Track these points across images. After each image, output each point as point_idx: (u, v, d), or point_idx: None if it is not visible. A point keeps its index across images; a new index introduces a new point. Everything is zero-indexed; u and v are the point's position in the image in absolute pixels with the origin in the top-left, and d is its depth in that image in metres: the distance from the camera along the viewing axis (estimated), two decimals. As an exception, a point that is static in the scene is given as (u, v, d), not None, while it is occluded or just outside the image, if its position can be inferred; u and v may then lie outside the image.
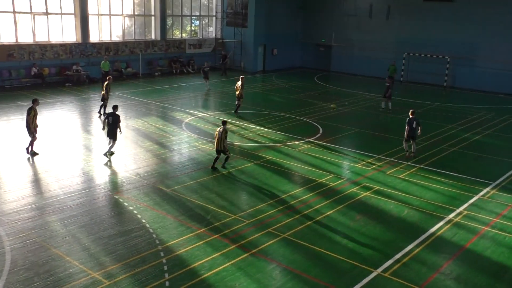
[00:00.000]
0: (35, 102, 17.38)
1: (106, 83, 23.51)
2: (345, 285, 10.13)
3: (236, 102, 24.87)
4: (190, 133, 21.21)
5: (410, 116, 18.67)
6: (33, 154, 17.23)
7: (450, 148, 20.48)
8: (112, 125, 16.93)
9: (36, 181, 15.08)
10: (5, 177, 15.35)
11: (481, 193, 15.47)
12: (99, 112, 23.61)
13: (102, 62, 30.46)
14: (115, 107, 17.45)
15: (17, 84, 29.95)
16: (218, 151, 16.61)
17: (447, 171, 17.21)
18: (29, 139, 17.20)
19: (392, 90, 26.66)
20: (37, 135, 17.29)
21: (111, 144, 17.20)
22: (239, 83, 24.45)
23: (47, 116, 23.23)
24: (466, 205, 14.52)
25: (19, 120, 22.43)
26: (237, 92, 24.47)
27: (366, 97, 31.72)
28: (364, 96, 32.02)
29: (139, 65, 36.28)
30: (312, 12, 43.25)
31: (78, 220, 12.53)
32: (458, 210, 14.09)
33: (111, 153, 17.36)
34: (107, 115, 17.35)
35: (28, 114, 16.90)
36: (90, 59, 33.14)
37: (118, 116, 17.17)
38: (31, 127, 16.95)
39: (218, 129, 16.61)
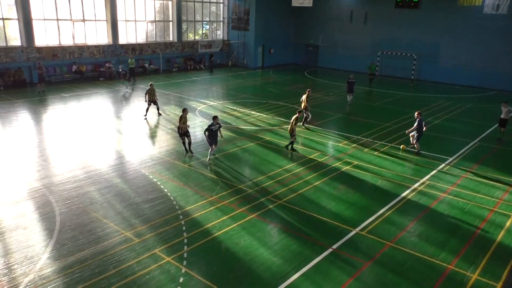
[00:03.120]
0: (184, 111, 15.84)
1: (148, 89, 21.04)
2: (331, 241, 10.24)
3: (304, 115, 20.15)
4: (203, 118, 21.15)
5: (420, 117, 16.46)
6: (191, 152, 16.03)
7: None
8: (214, 133, 14.89)
9: (78, 158, 15.09)
10: (53, 155, 15.39)
11: (440, 167, 15.51)
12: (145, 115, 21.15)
13: (129, 60, 30.24)
14: (215, 118, 15.09)
15: (60, 79, 29.77)
16: (292, 135, 16.49)
17: (414, 149, 17.20)
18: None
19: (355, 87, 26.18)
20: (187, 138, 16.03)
21: (213, 149, 15.19)
22: (304, 96, 20.27)
23: (85, 105, 23.15)
24: (428, 176, 14.57)
25: (62, 108, 22.38)
26: (303, 105, 20.16)
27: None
28: (344, 87, 31.75)
29: (160, 62, 35.99)
30: (302, 17, 42.74)
31: (112, 190, 12.60)
32: (421, 181, 14.15)
33: (212, 156, 15.32)
34: (209, 126, 14.84)
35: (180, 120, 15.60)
36: (119, 57, 32.85)
37: (219, 126, 15.09)
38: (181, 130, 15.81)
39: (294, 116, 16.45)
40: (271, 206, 11.90)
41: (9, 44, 27.67)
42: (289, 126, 16.68)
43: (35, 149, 15.95)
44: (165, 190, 12.64)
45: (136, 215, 11.07)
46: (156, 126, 19.66)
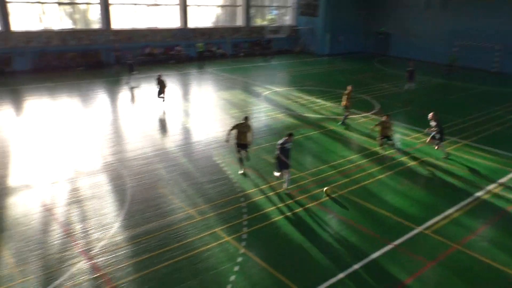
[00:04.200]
0: (246, 119, 12.77)
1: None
2: (391, 237, 10.00)
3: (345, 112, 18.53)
4: (267, 104, 21.34)
5: (435, 118, 15.02)
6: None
7: (494, 127, 19.07)
8: (287, 152, 11.56)
9: (149, 137, 15.94)
10: (126, 132, 16.42)
11: (520, 169, 14.39)
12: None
13: (198, 44, 31.11)
14: (290, 135, 11.78)
15: (135, 61, 31.39)
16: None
17: (490, 148, 16.11)
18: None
19: (415, 75, 24.66)
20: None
21: (285, 175, 11.87)
22: (346, 92, 18.21)
23: (156, 88, 24.30)
24: (505, 178, 13.60)
25: (135, 89, 23.68)
26: (343, 102, 18.28)
27: (419, 79, 30.03)
28: (418, 78, 30.30)
29: (227, 47, 36.65)
30: (374, 3, 41.13)
31: (178, 168, 13.23)
32: (498, 182, 13.25)
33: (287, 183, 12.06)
34: (282, 144, 11.55)
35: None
36: (189, 41, 33.90)
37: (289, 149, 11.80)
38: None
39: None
40: (332, 196, 11.83)
41: (89, 27, 29.67)
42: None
43: (111, 126, 17.12)
44: (228, 172, 13.02)
45: (199, 194, 11.55)
46: (222, 110, 20.17)
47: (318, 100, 22.65)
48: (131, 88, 23.42)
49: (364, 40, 42.88)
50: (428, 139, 15.67)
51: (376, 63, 36.74)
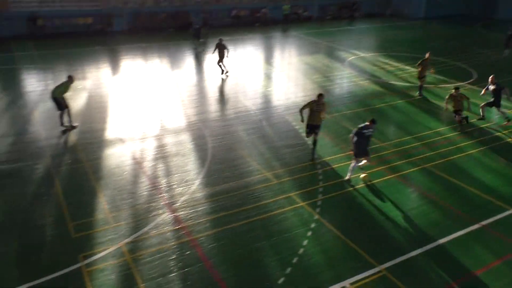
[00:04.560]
0: (320, 96, 11.30)
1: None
2: (479, 216, 9.27)
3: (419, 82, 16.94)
4: (351, 70, 20.51)
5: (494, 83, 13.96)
6: None
7: None
8: (365, 139, 10.31)
9: (230, 99, 16.30)
10: (210, 93, 16.96)
11: None
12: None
13: (284, 6, 30.49)
14: (373, 121, 10.30)
15: (221, 23, 31.81)
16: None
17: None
18: None
19: None
20: None
21: (358, 162, 10.58)
22: (424, 61, 16.47)
23: (240, 49, 24.51)
24: None
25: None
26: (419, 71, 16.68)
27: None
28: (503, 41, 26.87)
29: (314, 9, 35.46)
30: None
31: (257, 131, 13.41)
32: None
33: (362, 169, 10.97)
34: (360, 129, 10.23)
35: None
36: (276, 4, 33.35)
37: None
38: None
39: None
40: (414, 169, 11.21)
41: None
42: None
43: (195, 86, 17.78)
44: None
45: (276, 158, 11.66)
46: (304, 75, 19.82)
47: (407, 67, 21.21)
48: (197, 53, 23.42)
49: (466, 1, 38.63)
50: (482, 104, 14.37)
51: (480, 27, 33.11)
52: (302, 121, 11.55)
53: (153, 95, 16.47)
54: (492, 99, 14.15)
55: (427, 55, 16.47)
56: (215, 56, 18.95)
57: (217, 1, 31.39)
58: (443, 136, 13.23)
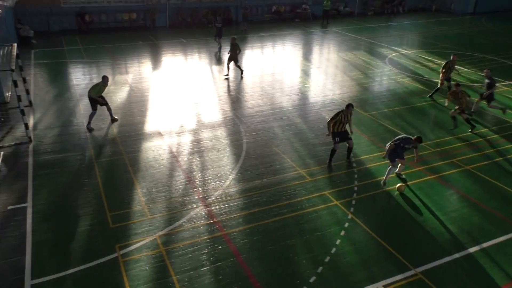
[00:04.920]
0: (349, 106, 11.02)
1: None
2: (523, 223, 8.79)
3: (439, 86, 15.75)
4: (392, 67, 19.90)
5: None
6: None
7: None
8: (402, 150, 9.93)
9: (267, 95, 16.23)
10: (247, 89, 16.98)
11: None
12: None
13: (324, 2, 29.98)
14: (419, 139, 9.91)
15: (261, 19, 31.75)
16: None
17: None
18: None
19: None
20: None
21: (395, 167, 10.21)
22: (447, 65, 15.51)
23: (280, 45, 24.37)
24: None
25: (258, 48, 24.10)
26: (441, 76, 15.68)
27: None
28: None
29: (355, 5, 34.65)
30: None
31: (293, 128, 13.30)
32: None
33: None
34: (397, 141, 9.87)
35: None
36: (316, -1, 32.89)
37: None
38: None
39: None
40: (454, 170, 10.75)
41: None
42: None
43: (232, 82, 17.84)
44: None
45: (311, 156, 11.51)
46: (343, 71, 19.44)
47: (451, 64, 20.28)
48: (215, 54, 22.29)
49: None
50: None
51: (532, 22, 31.24)
52: (329, 135, 10.86)
53: (191, 90, 16.69)
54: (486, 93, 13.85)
55: (452, 57, 15.54)
56: (230, 55, 18.08)
57: (257, -4, 31.37)
58: (486, 137, 12.58)
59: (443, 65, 15.73)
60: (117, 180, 10.22)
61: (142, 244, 8.03)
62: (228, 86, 17.25)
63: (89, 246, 8.00)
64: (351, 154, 11.22)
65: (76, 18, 26.66)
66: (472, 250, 7.99)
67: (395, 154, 9.89)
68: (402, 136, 10.04)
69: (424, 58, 21.62)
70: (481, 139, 12.52)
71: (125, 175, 10.45)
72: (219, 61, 21.07)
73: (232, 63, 18.33)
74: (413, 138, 9.84)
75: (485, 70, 14.22)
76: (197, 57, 22.07)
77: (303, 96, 16.31)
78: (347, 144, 10.97)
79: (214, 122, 13.70)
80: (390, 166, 10.01)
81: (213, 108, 14.89)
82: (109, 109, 13.40)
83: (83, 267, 7.44)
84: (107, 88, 13.38)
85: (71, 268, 7.40)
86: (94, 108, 12.94)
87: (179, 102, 15.44)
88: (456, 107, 13.04)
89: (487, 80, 13.91)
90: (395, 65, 20.27)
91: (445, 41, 25.34)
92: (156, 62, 20.88)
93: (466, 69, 19.51)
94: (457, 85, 13.12)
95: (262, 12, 31.91)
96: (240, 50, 18.16)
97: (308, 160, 11.27)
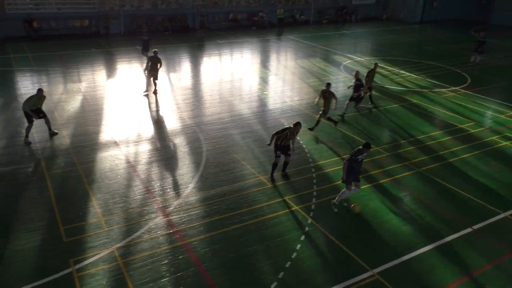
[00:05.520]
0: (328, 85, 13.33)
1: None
2: (472, 220, 9.30)
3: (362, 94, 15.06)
4: (347, 74, 20.54)
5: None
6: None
7: None
8: (358, 165, 9.41)
9: (226, 102, 16.25)
10: (205, 97, 16.93)
11: None
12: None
13: (278, 10, 30.49)
14: (367, 146, 9.27)
15: (218, 26, 31.80)
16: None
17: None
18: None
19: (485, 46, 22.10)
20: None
21: (350, 190, 9.55)
22: (368, 72, 15.76)
23: (237, 53, 24.52)
24: None
25: (216, 55, 24.14)
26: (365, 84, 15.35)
27: (523, 51, 26.77)
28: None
29: (311, 13, 35.54)
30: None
31: (252, 135, 13.40)
32: None
33: None
34: (354, 155, 9.33)
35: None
36: (273, 7, 33.39)
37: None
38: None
39: None
40: (407, 173, 11.24)
41: (178, -8, 30.47)
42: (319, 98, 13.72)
43: (191, 90, 17.73)
44: (301, 142, 12.90)
45: (271, 162, 11.51)
46: (300, 78, 19.84)
47: (402, 72, 21.28)
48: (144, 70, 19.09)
49: (462, 5, 38.84)
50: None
51: (474, 32, 33.30)
52: (269, 145, 10.56)
53: (148, 98, 16.42)
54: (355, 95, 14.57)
55: (373, 66, 15.88)
56: (150, 70, 16.45)
57: (214, 4, 31.41)
58: (436, 141, 13.26)
59: (366, 73, 15.85)
60: (71, 192, 9.85)
61: (98, 258, 7.77)
62: (186, 94, 17.11)
63: (41, 262, 7.64)
64: (286, 168, 10.95)
65: (24, 25, 25.52)
66: (425, 249, 8.36)
67: (352, 172, 9.26)
68: (351, 152, 9.46)
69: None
70: (432, 142, 13.17)
71: (80, 186, 10.09)
72: (194, 67, 20.90)
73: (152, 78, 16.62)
74: (361, 147, 9.26)
75: (354, 72, 14.76)
76: (154, 64, 21.73)
77: (262, 103, 16.48)
78: (284, 158, 10.77)
79: (173, 130, 13.54)
80: (345, 189, 9.43)
81: (171, 116, 14.71)
82: (47, 122, 12.67)
83: (35, 284, 7.10)
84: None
85: (21, 286, 7.03)
86: (29, 121, 12.20)
87: (135, 110, 15.14)
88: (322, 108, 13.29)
89: (355, 81, 14.43)
90: (350, 71, 20.94)
91: (396, 49, 26.51)
92: (110, 70, 20.38)
93: (415, 76, 20.48)
94: (328, 84, 13.54)
95: (219, 19, 32.00)
96: (161, 65, 16.55)
97: (268, 166, 11.37)
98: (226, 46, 26.11)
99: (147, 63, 16.57)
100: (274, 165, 10.72)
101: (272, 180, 10.70)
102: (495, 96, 17.90)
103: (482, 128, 14.37)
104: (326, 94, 13.29)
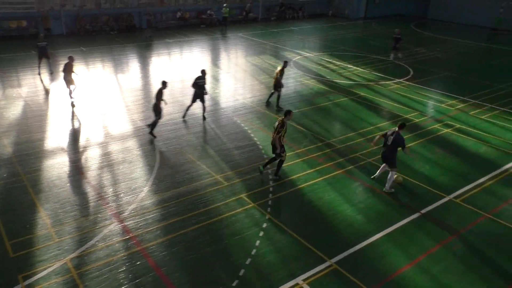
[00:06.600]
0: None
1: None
2: (420, 205, 9.79)
3: (277, 92, 15.55)
4: (297, 70, 20.87)
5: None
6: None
7: (536, 94, 17.97)
8: (392, 147, 10.15)
9: (177, 103, 16.00)
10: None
11: (562, 138, 13.58)
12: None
13: (223, 9, 30.31)
14: (402, 126, 10.30)
15: (166, 25, 31.18)
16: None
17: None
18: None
19: (402, 43, 22.71)
20: None
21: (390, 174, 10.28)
22: (279, 68, 15.45)
23: (186, 51, 24.17)
24: (544, 147, 12.90)
25: (165, 55, 23.67)
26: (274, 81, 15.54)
27: (459, 43, 28.45)
28: (457, 42, 28.75)
29: (259, 10, 35.72)
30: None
31: (206, 134, 13.29)
32: (535, 152, 12.59)
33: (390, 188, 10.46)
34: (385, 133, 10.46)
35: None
36: (221, 5, 33.20)
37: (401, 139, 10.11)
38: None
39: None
40: (359, 164, 11.62)
41: (122, -9, 29.52)
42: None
43: (141, 91, 17.27)
44: (255, 139, 12.97)
45: (226, 160, 11.60)
46: (251, 75, 19.91)
47: (349, 66, 21.94)
48: (41, 74, 18.60)
49: (402, 2, 40.65)
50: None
51: (414, 27, 34.94)
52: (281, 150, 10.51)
53: (96, 101, 15.82)
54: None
55: (284, 63, 15.55)
56: (64, 76, 15.13)
57: (161, 2, 30.75)
58: (384, 131, 13.76)
59: (277, 71, 15.40)
60: (16, 204, 9.30)
61: (50, 271, 7.40)
62: (137, 95, 16.65)
63: (-14, 281, 7.16)
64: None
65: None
66: (378, 235, 8.69)
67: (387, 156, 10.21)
68: (390, 132, 10.18)
69: (325, 60, 23.03)
70: (380, 133, 13.66)
71: (25, 197, 9.54)
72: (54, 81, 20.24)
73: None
74: (397, 127, 10.17)
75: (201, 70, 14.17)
76: (101, 66, 20.98)
77: (214, 101, 16.38)
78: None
79: (124, 134, 13.13)
80: (392, 173, 10.16)
81: (121, 119, 14.26)
82: None
83: (-20, 306, 6.65)
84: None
85: (-35, 309, 6.57)
86: None
87: (83, 114, 14.53)
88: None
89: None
90: (299, 67, 21.29)
91: (343, 44, 27.29)
92: (53, 73, 19.39)
93: (362, 69, 21.18)
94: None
95: (167, 18, 31.39)
96: (73, 72, 15.22)
97: (223, 165, 11.35)
98: (175, 45, 25.67)
99: (64, 69, 15.05)
100: (282, 163, 10.64)
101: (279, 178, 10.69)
102: (435, 86, 18.90)
103: (425, 117, 15.13)
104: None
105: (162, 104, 12.69)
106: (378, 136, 10.72)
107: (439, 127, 14.26)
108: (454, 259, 8.14)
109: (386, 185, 10.32)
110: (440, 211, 9.62)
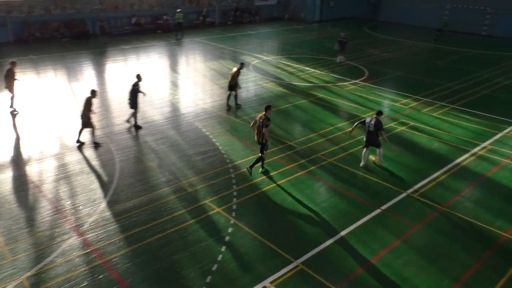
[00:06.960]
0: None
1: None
2: (380, 202, 10.08)
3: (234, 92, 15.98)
4: (256, 73, 21.00)
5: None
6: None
7: (482, 90, 19.04)
8: (374, 131, 11.46)
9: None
10: (113, 105, 16.12)
11: (506, 131, 14.46)
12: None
13: (177, 14, 29.90)
14: (379, 113, 11.66)
15: (121, 31, 30.49)
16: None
17: (477, 111, 16.13)
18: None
19: (347, 46, 23.32)
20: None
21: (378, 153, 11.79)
22: (234, 69, 15.79)
23: (143, 58, 23.73)
24: (490, 140, 13.68)
25: (122, 61, 23.12)
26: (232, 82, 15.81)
27: (409, 44, 29.69)
28: (407, 43, 29.98)
29: (215, 15, 35.69)
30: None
31: (167, 141, 13.08)
32: (483, 145, 13.33)
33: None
34: (364, 121, 11.75)
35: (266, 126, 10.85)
36: (177, 10, 32.87)
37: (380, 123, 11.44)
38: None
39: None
40: (320, 164, 11.82)
41: (73, -4, 28.58)
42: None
43: (96, 99, 16.72)
44: (217, 144, 12.91)
45: (188, 167, 11.47)
46: (211, 80, 19.83)
47: (307, 68, 22.34)
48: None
49: (355, 5, 41.97)
50: None
51: (367, 29, 36.12)
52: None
53: (49, 111, 15.18)
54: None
55: (240, 65, 15.91)
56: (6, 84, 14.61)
57: (115, 8, 30.03)
58: (343, 131, 14.14)
59: (233, 71, 15.72)
60: (-35, 223, 8.74)
61: (5, 292, 7.01)
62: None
63: None
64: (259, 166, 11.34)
65: None
66: (342, 233, 8.87)
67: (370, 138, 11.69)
68: (369, 119, 11.69)
69: (283, 63, 23.33)
70: (339, 132, 14.00)
71: (-25, 215, 8.99)
72: (100, 73, 19.58)
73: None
74: (376, 114, 11.76)
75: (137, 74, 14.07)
76: (53, 74, 20.18)
77: (174, 107, 16.17)
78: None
79: (80, 144, 12.67)
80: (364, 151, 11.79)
81: (76, 129, 13.74)
82: None
83: None
84: None
85: None
86: None
87: (35, 125, 13.90)
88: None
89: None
90: (259, 71, 21.44)
91: (300, 47, 27.75)
92: None
93: (319, 71, 21.63)
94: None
95: (122, 24, 30.70)
96: (16, 79, 14.79)
97: (186, 171, 11.21)
98: (131, 51, 25.14)
99: (5, 76, 14.58)
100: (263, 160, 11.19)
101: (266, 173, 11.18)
102: (389, 86, 19.59)
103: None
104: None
105: (91, 114, 12.39)
106: (354, 126, 12.11)
107: (394, 125, 14.78)
108: (413, 252, 8.45)
109: (379, 160, 11.83)
110: (399, 207, 9.96)
